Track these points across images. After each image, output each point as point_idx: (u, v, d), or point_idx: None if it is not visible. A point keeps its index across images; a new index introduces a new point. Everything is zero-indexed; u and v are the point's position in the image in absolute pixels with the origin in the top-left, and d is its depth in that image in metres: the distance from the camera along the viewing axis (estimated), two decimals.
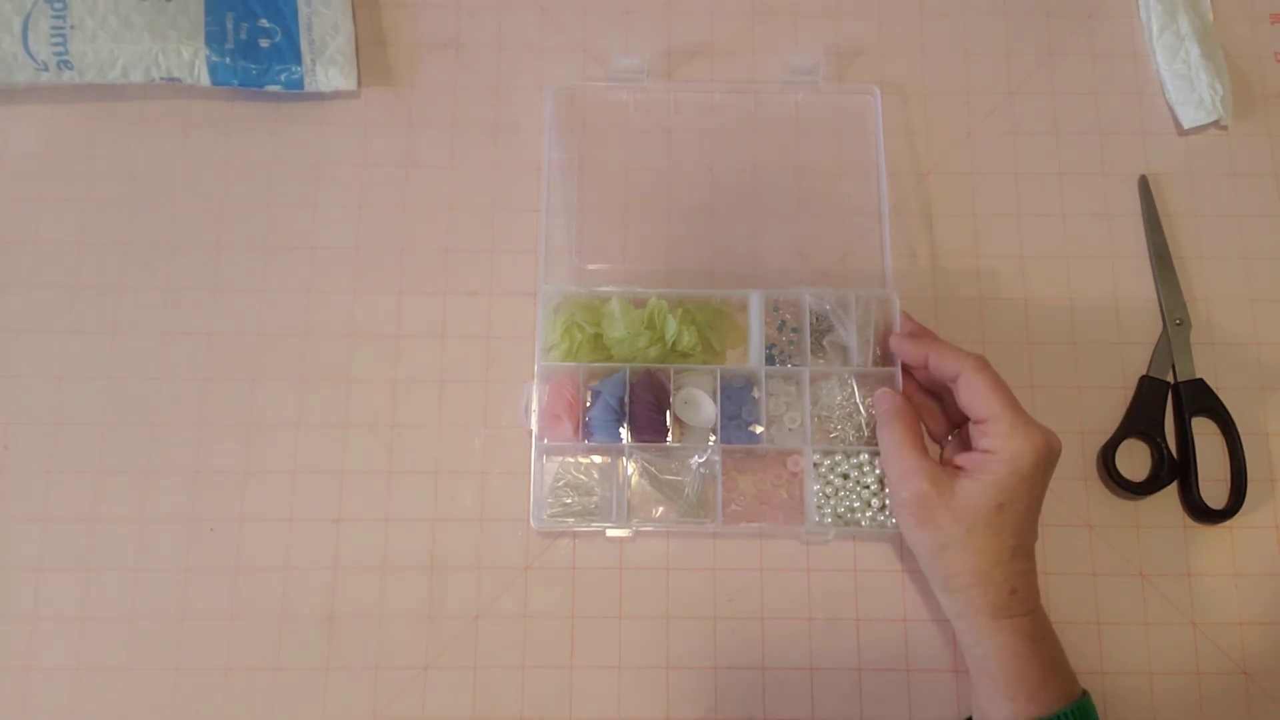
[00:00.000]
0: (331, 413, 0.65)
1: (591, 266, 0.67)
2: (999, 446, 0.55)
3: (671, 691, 0.61)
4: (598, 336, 0.63)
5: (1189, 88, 0.70)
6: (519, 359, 0.65)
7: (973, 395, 0.57)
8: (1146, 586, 0.63)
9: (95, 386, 0.65)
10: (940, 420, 0.63)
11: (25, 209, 0.67)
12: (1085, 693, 0.55)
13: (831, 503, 0.62)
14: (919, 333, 0.63)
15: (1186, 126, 0.70)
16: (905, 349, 0.62)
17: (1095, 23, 0.73)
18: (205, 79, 0.67)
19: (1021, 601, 0.55)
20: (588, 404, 0.62)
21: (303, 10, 0.69)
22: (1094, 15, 0.73)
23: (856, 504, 0.62)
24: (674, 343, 0.63)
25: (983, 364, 0.58)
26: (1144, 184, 0.69)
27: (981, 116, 0.71)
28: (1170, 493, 0.65)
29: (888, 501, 0.61)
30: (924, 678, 0.61)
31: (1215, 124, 0.70)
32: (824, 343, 0.65)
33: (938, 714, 0.61)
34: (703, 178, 0.69)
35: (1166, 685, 0.62)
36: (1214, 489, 0.64)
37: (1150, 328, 0.67)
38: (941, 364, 0.59)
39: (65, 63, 0.66)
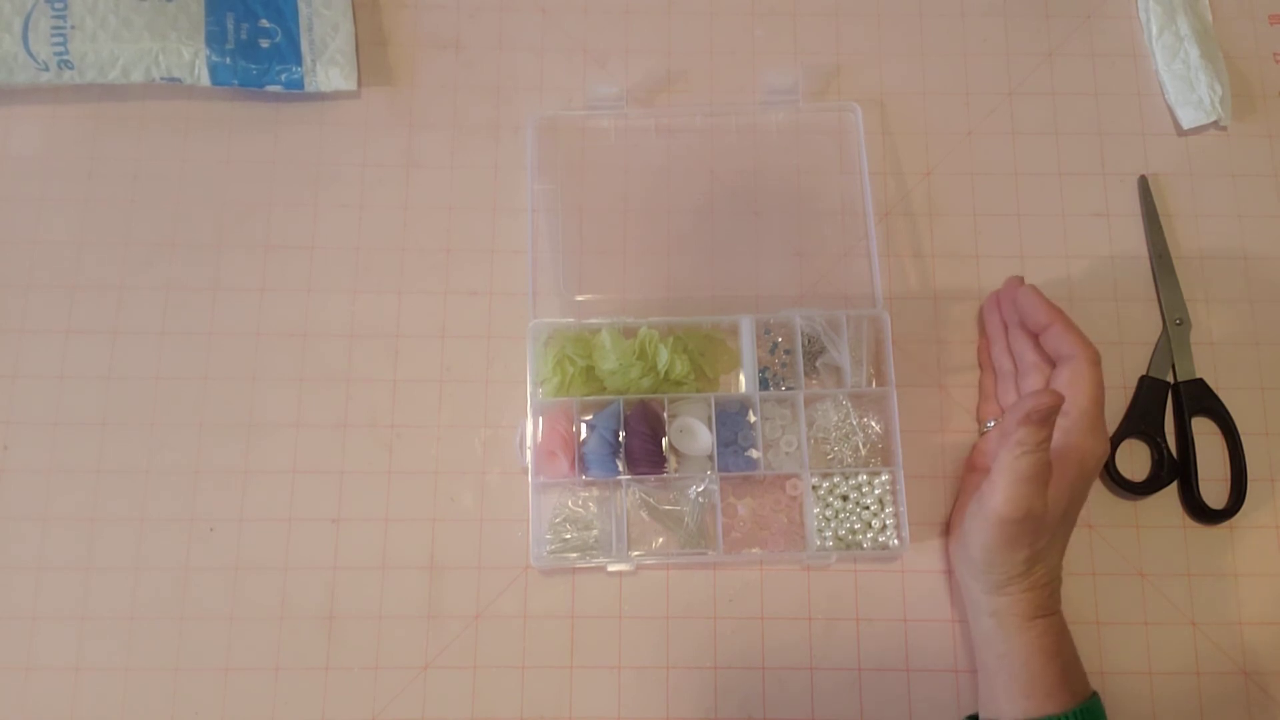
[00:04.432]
0: (331, 413, 0.65)
1: (580, 298, 0.66)
2: (1076, 443, 0.55)
3: (671, 691, 0.61)
4: (590, 369, 0.63)
5: (1188, 88, 0.70)
6: (519, 359, 0.65)
7: (1078, 384, 0.56)
8: (1146, 586, 0.63)
9: (95, 386, 0.65)
10: (996, 404, 0.64)
11: (25, 209, 0.67)
12: (1095, 693, 0.55)
13: (833, 525, 0.62)
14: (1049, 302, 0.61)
15: (1186, 127, 0.70)
16: (1034, 304, 0.60)
17: (1095, 23, 0.73)
18: (205, 79, 0.67)
19: (1055, 600, 0.56)
20: (582, 438, 0.62)
21: (303, 10, 0.69)
22: (1093, 15, 0.73)
23: (858, 525, 0.62)
24: (666, 372, 0.62)
25: (1099, 359, 0.57)
26: (1144, 184, 0.69)
27: (981, 116, 0.71)
28: (1170, 493, 0.65)
29: (889, 522, 0.61)
30: (924, 678, 0.61)
31: (1215, 124, 0.70)
32: (817, 364, 0.65)
33: (938, 714, 0.61)
34: (688, 201, 0.69)
35: (1166, 685, 0.61)
36: (1214, 489, 0.64)
37: (1150, 328, 0.67)
38: (1059, 339, 0.58)
39: (65, 63, 0.66)
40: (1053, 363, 0.60)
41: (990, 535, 0.53)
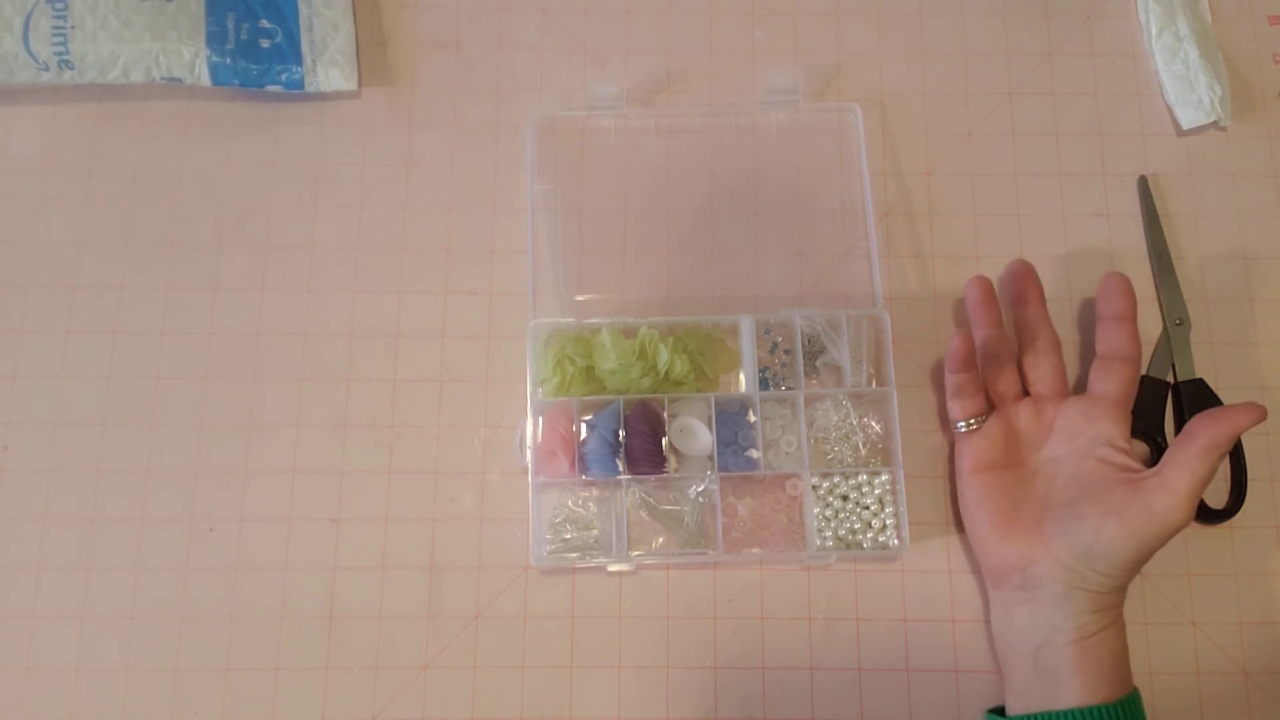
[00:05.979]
0: (331, 413, 0.65)
1: (580, 298, 0.66)
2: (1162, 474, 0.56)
3: (671, 691, 0.61)
4: (590, 369, 0.63)
5: (1188, 89, 0.70)
6: (519, 359, 0.65)
7: (1128, 383, 0.60)
8: (1147, 587, 0.63)
9: (95, 386, 0.65)
10: (982, 399, 0.61)
11: (25, 209, 0.67)
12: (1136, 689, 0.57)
13: (832, 525, 0.62)
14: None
15: (1186, 127, 0.70)
16: (1124, 291, 0.61)
17: (1094, 23, 0.73)
18: (206, 79, 0.67)
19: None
20: (582, 438, 0.62)
21: (303, 11, 0.69)
22: (1093, 16, 0.73)
23: (858, 525, 0.62)
24: (666, 372, 0.62)
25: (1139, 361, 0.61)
26: (1144, 184, 0.69)
27: (981, 116, 0.71)
28: None
29: (889, 522, 0.61)
30: (924, 678, 0.61)
31: (1214, 125, 0.70)
32: (817, 364, 0.65)
33: (938, 714, 0.61)
34: (688, 201, 0.69)
35: (1166, 685, 0.61)
36: (1214, 489, 0.64)
37: (1150, 328, 0.67)
38: (1126, 339, 0.60)
39: (66, 62, 0.66)
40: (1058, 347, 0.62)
41: (1151, 545, 0.55)
